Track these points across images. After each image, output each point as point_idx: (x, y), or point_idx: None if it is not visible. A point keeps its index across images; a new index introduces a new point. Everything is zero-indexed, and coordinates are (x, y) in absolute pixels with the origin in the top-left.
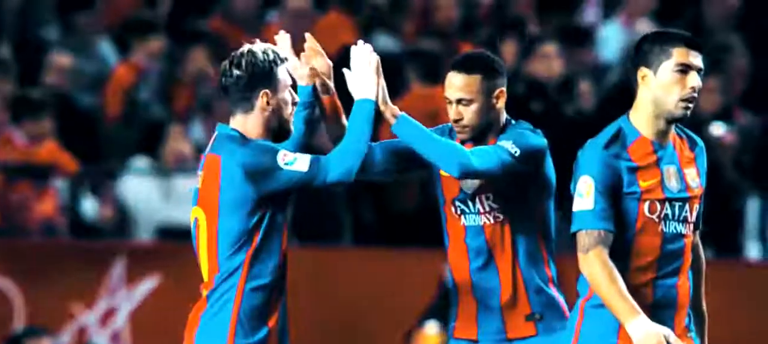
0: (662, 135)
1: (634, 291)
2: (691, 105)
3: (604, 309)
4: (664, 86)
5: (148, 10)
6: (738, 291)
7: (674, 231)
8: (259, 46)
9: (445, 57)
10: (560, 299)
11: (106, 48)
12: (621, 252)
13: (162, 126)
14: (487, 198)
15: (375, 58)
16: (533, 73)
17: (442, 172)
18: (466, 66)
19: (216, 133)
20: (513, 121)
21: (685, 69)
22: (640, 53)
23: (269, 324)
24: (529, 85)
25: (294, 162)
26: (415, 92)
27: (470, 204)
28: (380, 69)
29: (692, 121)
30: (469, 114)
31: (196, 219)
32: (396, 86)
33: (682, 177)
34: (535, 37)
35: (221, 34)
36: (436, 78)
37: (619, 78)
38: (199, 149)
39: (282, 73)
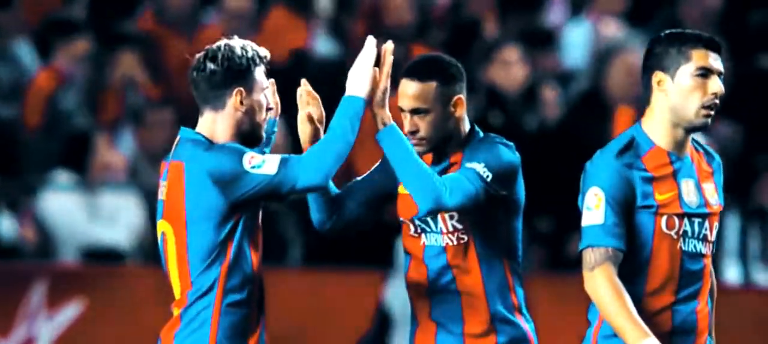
0: (680, 145)
1: (651, 317)
2: (712, 112)
3: (617, 338)
4: (683, 92)
5: (71, 7)
6: (715, 318)
7: (693, 249)
8: (237, 42)
9: (400, 62)
10: (527, 327)
11: (25, 51)
12: (636, 274)
13: (87, 137)
14: (451, 218)
15: (373, 54)
16: (492, 80)
17: (402, 189)
18: (419, 72)
19: (178, 137)
20: (479, 131)
21: (705, 73)
22: (654, 56)
23: (250, 343)
24: (488, 95)
25: (262, 165)
26: None
27: (432, 223)
28: (387, 70)
29: None
30: (425, 125)
31: (164, 234)
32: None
33: (700, 192)
34: (494, 41)
35: (152, 36)
36: (392, 84)
37: (588, 85)
38: (129, 161)
39: (259, 73)
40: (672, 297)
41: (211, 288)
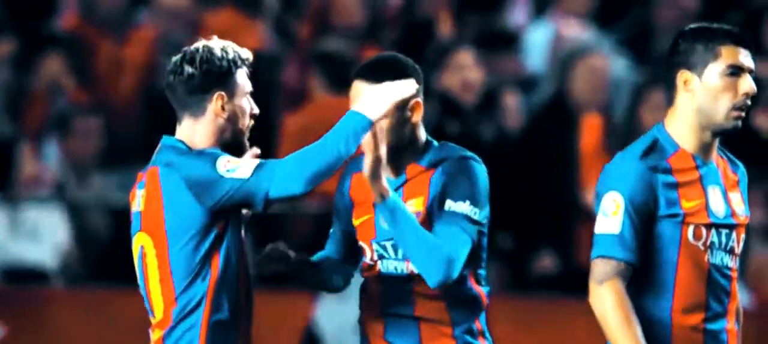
0: (706, 149)
1: (680, 339)
2: (743, 114)
3: None
4: (711, 93)
5: None
6: None
7: (721, 262)
8: (217, 43)
9: (350, 64)
10: None
11: None
12: (661, 291)
13: (9, 146)
14: None
15: (405, 91)
16: (447, 87)
17: (357, 208)
18: (373, 73)
19: (160, 144)
20: (434, 142)
21: (736, 71)
22: (679, 53)
23: None
24: (442, 102)
25: (235, 169)
26: (319, 101)
27: (391, 249)
28: (380, 138)
29: (629, 141)
30: (383, 129)
31: (142, 248)
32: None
33: (727, 202)
34: (448, 43)
35: (80, 38)
36: (345, 84)
37: (552, 91)
38: (53, 173)
39: (241, 76)
40: (701, 316)
41: (198, 306)
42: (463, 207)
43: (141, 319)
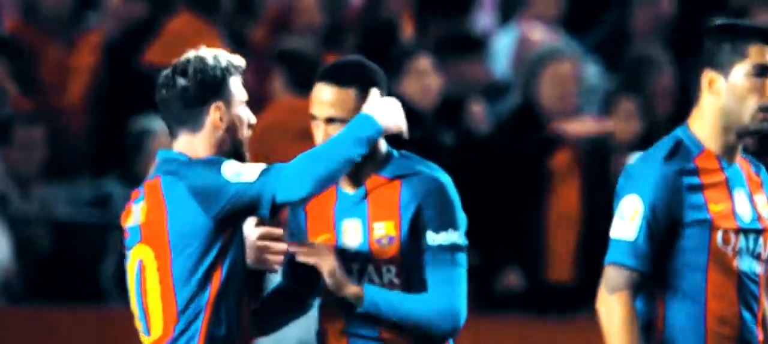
0: (730, 151)
1: None
2: None
3: None
4: (737, 93)
5: None
6: None
7: (749, 269)
8: (208, 51)
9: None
10: None
11: None
12: (693, 297)
13: None
14: (388, 271)
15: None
16: (406, 93)
17: (313, 225)
18: (338, 76)
19: (157, 159)
20: (394, 152)
21: (764, 72)
22: (704, 52)
23: None
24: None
25: (241, 173)
26: (282, 102)
27: (358, 277)
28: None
29: (603, 150)
30: None
31: (140, 261)
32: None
33: (752, 205)
34: (407, 48)
35: (23, 41)
36: (308, 85)
37: (520, 98)
38: None
39: (236, 85)
40: (735, 323)
41: (196, 318)
42: (450, 236)
43: (84, 339)
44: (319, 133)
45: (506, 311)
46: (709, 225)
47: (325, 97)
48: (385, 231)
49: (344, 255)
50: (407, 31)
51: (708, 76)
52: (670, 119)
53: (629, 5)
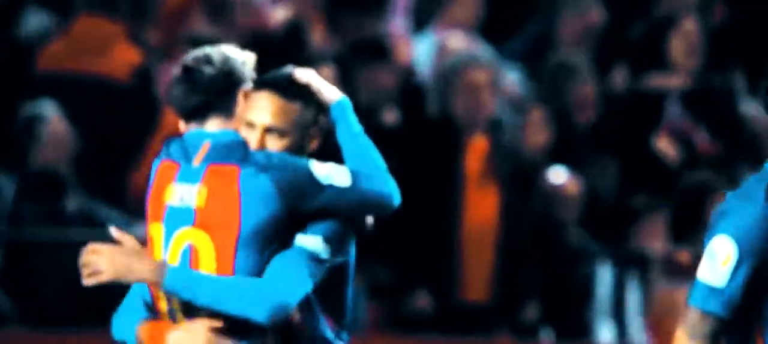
0: None
1: None
2: None
3: None
4: None
5: None
6: None
7: None
8: (212, 48)
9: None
10: None
11: None
12: None
13: None
14: None
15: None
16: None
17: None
18: (284, 88)
19: (208, 141)
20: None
21: None
22: None
23: None
24: None
25: (332, 176)
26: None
27: None
28: None
29: (520, 165)
30: (278, 150)
31: (191, 246)
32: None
33: None
34: (314, 56)
35: None
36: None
37: (435, 109)
38: None
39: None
40: None
41: None
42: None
43: None
44: (254, 139)
45: (418, 333)
46: None
47: (267, 105)
48: None
49: None
50: (318, 36)
51: None
52: (595, 129)
53: (556, 13)
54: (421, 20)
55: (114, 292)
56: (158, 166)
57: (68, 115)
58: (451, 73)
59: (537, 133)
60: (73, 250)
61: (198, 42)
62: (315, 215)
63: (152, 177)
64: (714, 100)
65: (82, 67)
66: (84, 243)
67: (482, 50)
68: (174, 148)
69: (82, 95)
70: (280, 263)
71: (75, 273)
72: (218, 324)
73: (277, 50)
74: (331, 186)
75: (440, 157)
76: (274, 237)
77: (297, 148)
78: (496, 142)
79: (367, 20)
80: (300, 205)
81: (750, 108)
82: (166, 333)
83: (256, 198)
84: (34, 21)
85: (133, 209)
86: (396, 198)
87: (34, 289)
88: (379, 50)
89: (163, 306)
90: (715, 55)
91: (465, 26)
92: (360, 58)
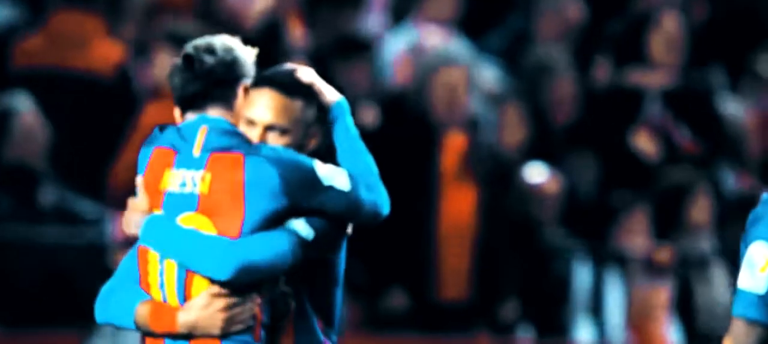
0: None
1: None
2: None
3: None
4: None
5: None
6: None
7: None
8: (215, 37)
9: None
10: None
11: None
12: None
13: None
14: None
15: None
16: None
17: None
18: (286, 85)
19: (204, 126)
20: None
21: None
22: None
23: None
24: None
25: (333, 177)
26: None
27: None
28: None
29: (497, 162)
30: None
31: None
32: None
33: None
34: (289, 52)
35: None
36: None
37: (412, 106)
38: None
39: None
40: None
41: None
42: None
43: None
44: (254, 136)
45: (394, 332)
46: None
47: (269, 102)
48: None
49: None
50: (294, 32)
51: None
52: (574, 127)
53: (534, 10)
54: (398, 16)
55: (87, 289)
56: (150, 154)
57: (46, 110)
58: (428, 70)
59: (515, 130)
60: (48, 248)
61: (176, 37)
62: (311, 212)
63: (143, 165)
64: (694, 97)
65: (61, 62)
66: (59, 241)
67: (460, 46)
68: (168, 135)
69: (61, 90)
70: (259, 234)
71: (50, 270)
72: (218, 290)
73: (254, 46)
74: (332, 188)
75: (417, 154)
76: (270, 227)
77: (297, 147)
78: (473, 139)
79: (345, 16)
80: (301, 203)
81: (730, 106)
82: (175, 315)
83: (262, 190)
84: (3, 14)
85: (111, 203)
86: (386, 209)
87: (8, 287)
88: (356, 47)
89: (155, 293)
90: (695, 53)
91: (443, 21)
92: (337, 55)
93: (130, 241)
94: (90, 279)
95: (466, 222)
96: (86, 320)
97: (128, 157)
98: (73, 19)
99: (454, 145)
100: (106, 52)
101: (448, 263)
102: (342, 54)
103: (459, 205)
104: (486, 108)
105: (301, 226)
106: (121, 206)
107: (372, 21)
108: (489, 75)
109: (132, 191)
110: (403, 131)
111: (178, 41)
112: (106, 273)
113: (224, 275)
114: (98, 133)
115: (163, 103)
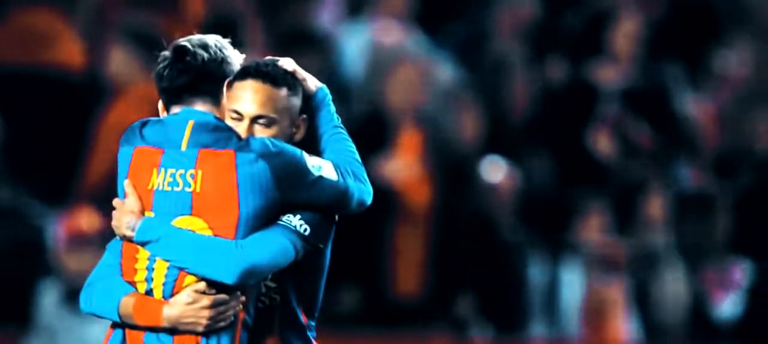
0: None
1: None
2: None
3: None
4: None
5: None
6: None
7: None
8: (206, 36)
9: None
10: None
11: None
12: None
13: None
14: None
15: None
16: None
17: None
18: (270, 76)
19: (191, 120)
20: None
21: None
22: None
23: None
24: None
25: (321, 168)
26: (138, 89)
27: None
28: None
29: (452, 157)
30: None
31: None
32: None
33: None
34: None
35: None
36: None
37: (368, 101)
38: None
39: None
40: None
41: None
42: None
43: None
44: (242, 129)
45: (347, 329)
46: None
47: (256, 93)
48: None
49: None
50: (248, 26)
51: None
52: (530, 123)
53: (490, 6)
54: (354, 11)
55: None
56: (132, 154)
57: (6, 107)
58: (384, 65)
59: (471, 126)
60: None
61: (134, 32)
62: (301, 203)
63: (124, 166)
64: (651, 94)
65: (22, 58)
66: (10, 240)
67: (416, 41)
68: (151, 133)
69: (22, 87)
70: (259, 233)
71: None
72: (202, 287)
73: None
74: (321, 178)
75: (373, 150)
76: (267, 224)
77: (284, 137)
78: (429, 135)
79: (299, 10)
80: (292, 194)
81: (687, 103)
82: (160, 309)
83: (254, 185)
84: None
85: (74, 201)
86: (370, 198)
87: None
88: (309, 40)
89: (141, 287)
90: (652, 49)
91: (399, 16)
92: (290, 49)
93: (76, 242)
94: (30, 279)
95: (421, 218)
96: (23, 320)
97: (97, 155)
98: (34, 16)
99: (410, 140)
100: (68, 48)
101: (402, 259)
102: (294, 47)
103: (414, 200)
104: (442, 104)
105: (297, 222)
106: (93, 204)
107: (327, 15)
108: (445, 71)
109: (102, 189)
110: (359, 127)
111: (134, 36)
112: (49, 273)
113: (231, 279)
114: (62, 130)
115: (124, 100)
